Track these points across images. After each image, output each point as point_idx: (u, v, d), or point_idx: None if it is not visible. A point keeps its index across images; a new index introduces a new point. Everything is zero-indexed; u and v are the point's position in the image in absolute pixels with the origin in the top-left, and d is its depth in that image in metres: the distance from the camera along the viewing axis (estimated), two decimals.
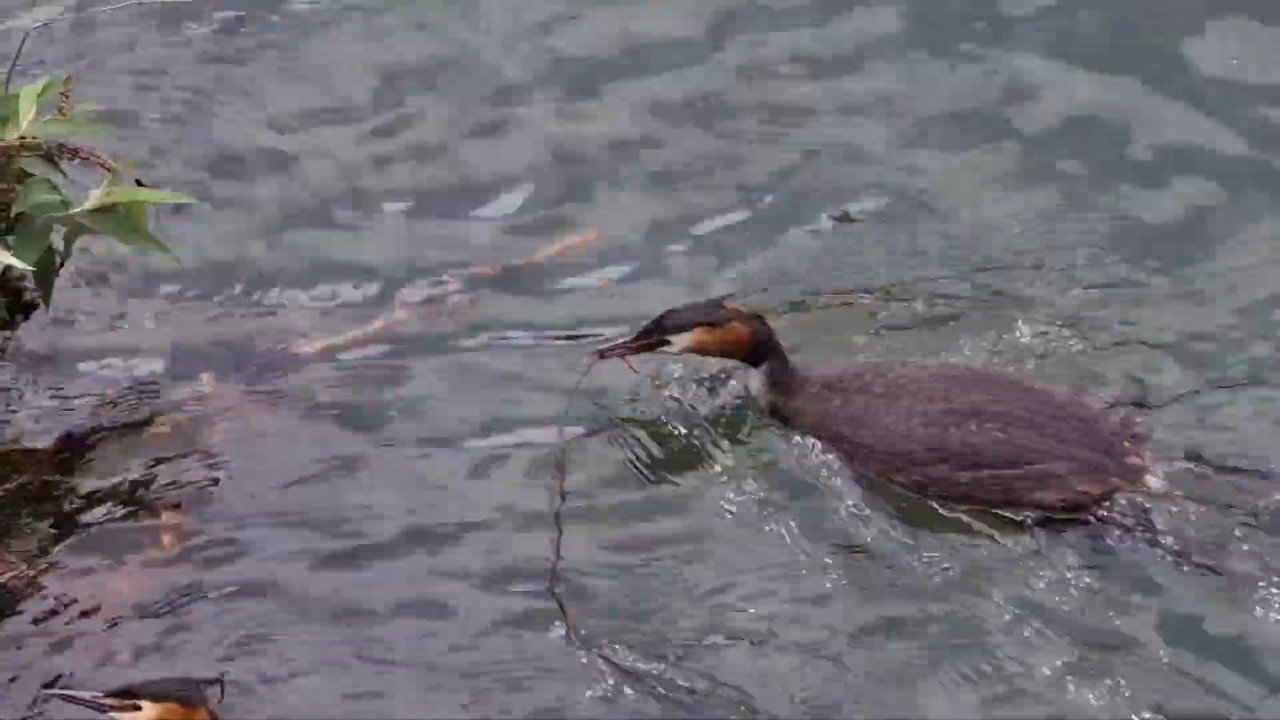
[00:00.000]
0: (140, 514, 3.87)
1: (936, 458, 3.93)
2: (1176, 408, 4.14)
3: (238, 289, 4.43)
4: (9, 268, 3.71)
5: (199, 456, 3.99)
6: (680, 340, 3.99)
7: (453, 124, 4.99)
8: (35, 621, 3.64)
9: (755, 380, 4.08)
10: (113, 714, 3.14)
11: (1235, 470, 3.95)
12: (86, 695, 3.23)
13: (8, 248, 3.53)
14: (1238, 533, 3.83)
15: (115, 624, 3.65)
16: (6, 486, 3.85)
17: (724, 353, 4.07)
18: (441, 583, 3.79)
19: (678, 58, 5.14)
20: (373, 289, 4.49)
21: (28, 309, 4.17)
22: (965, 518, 3.91)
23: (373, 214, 4.71)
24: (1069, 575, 3.79)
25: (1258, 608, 3.70)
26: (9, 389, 4.07)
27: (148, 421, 4.05)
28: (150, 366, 4.18)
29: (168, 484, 3.93)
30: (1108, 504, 3.87)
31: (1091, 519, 3.89)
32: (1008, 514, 3.90)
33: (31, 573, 3.69)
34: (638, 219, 4.70)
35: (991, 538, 3.87)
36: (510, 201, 4.77)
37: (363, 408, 4.17)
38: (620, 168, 4.86)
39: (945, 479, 3.93)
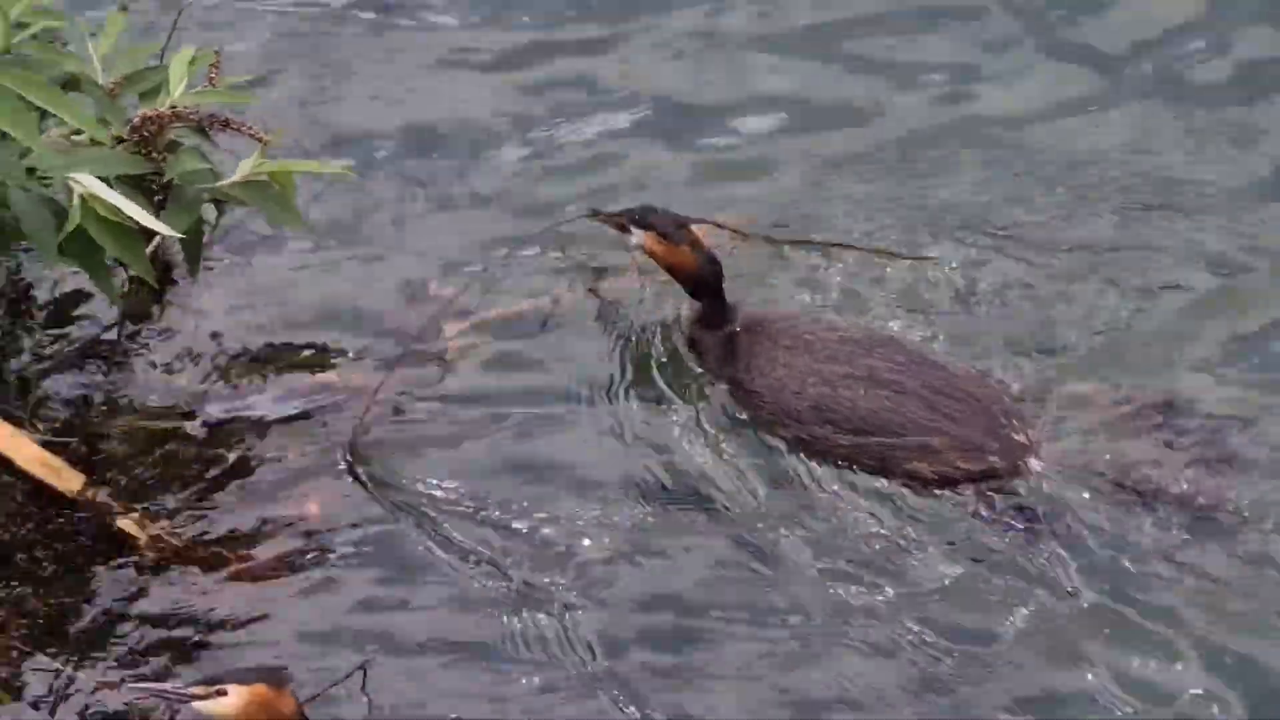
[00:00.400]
0: (286, 483, 3.89)
1: (821, 418, 3.96)
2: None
3: (385, 260, 4.45)
4: (160, 237, 3.75)
5: (342, 428, 4.00)
6: (637, 236, 4.05)
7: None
8: (176, 585, 3.68)
9: (686, 311, 4.14)
10: (198, 704, 3.13)
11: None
12: (170, 688, 3.22)
13: (159, 217, 3.49)
14: (1120, 519, 3.82)
15: (260, 593, 3.68)
16: (156, 453, 3.89)
17: (669, 270, 4.10)
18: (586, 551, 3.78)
19: None
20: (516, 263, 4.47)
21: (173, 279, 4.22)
22: (842, 485, 3.92)
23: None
24: (938, 549, 3.80)
25: (1136, 592, 3.69)
26: (158, 357, 4.11)
27: (292, 393, 4.07)
28: (296, 336, 4.20)
29: (313, 453, 3.95)
30: (987, 483, 3.88)
31: (969, 496, 3.89)
32: (884, 482, 3.92)
33: (177, 542, 3.72)
34: None
35: (863, 505, 3.90)
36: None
37: (511, 378, 4.16)
38: None
39: (826, 439, 3.96)
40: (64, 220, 3.44)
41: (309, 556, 3.75)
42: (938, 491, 3.89)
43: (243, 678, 3.13)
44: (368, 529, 3.82)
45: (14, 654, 3.50)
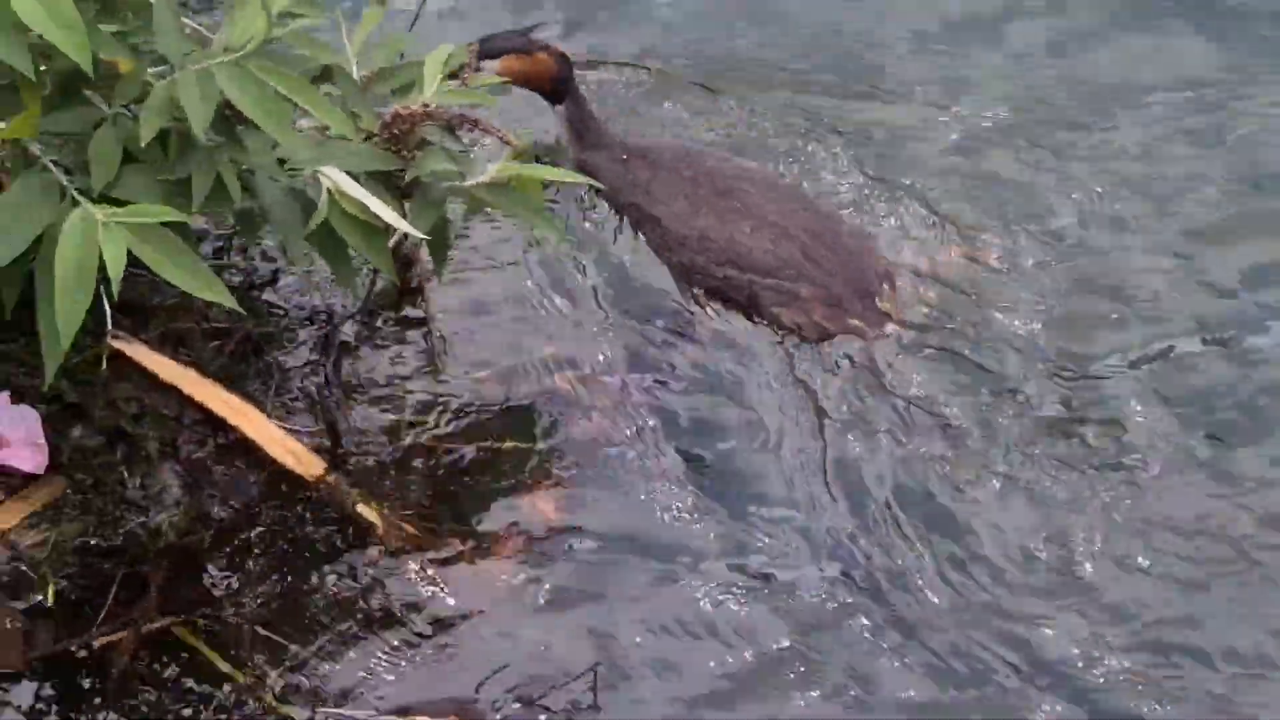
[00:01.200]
0: (521, 480, 3.93)
1: (704, 247, 4.20)
2: None
3: (630, 274, 4.48)
4: (405, 236, 3.79)
5: (577, 430, 4.05)
6: (491, 65, 4.24)
7: None
8: (408, 575, 3.73)
9: (559, 123, 4.45)
10: None
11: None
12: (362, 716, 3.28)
13: (404, 215, 3.53)
14: (964, 398, 4.05)
15: (489, 588, 3.72)
16: (394, 445, 3.96)
17: (529, 82, 4.35)
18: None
19: None
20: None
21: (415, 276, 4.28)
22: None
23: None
24: (796, 395, 4.07)
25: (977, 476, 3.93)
26: (397, 351, 4.18)
27: (529, 394, 4.13)
28: (536, 339, 4.27)
29: (548, 453, 4.00)
30: (841, 340, 4.10)
31: (822, 350, 4.11)
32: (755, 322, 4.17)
33: (413, 532, 3.77)
34: None
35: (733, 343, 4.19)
36: None
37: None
38: None
39: (704, 269, 4.20)
40: (311, 212, 3.50)
41: (541, 554, 3.78)
42: (793, 339, 4.14)
43: (440, 708, 3.17)
44: (602, 530, 3.85)
45: (248, 635, 3.57)
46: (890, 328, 4.11)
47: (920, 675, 3.57)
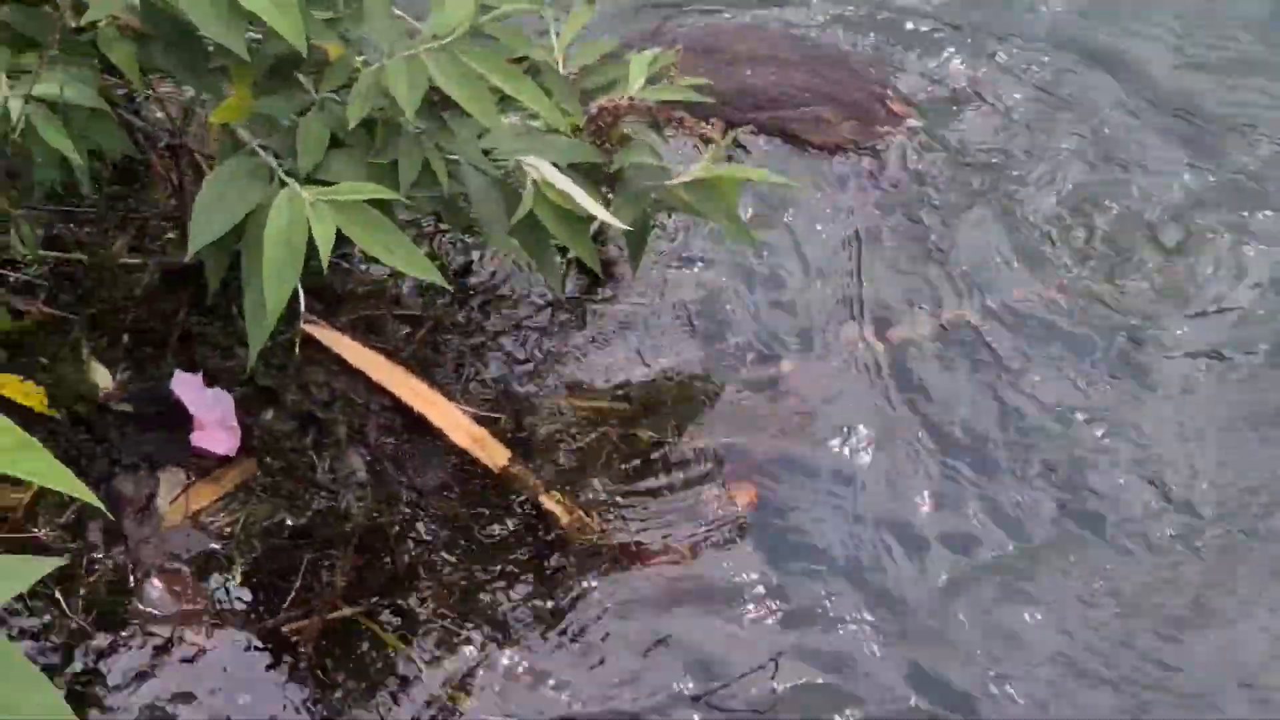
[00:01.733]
0: (714, 474, 3.92)
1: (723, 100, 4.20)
2: None
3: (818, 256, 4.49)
4: (602, 228, 3.79)
5: (778, 424, 4.03)
6: None
7: None
8: (591, 572, 3.73)
9: None
10: None
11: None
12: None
13: (607, 208, 3.54)
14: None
15: (676, 585, 3.71)
16: (583, 437, 3.94)
17: None
18: None
19: None
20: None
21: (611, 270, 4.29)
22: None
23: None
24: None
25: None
26: (590, 343, 4.18)
27: (727, 388, 4.11)
28: (734, 336, 4.24)
29: (746, 446, 3.98)
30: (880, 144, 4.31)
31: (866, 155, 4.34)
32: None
33: (599, 526, 3.76)
34: None
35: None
36: None
37: (981, 396, 4.15)
38: None
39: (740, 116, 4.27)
40: (513, 202, 3.52)
41: (730, 550, 3.77)
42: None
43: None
44: (793, 526, 3.83)
45: (430, 624, 3.58)
46: (910, 120, 4.37)
47: None
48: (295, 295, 3.26)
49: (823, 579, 3.73)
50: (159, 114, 3.94)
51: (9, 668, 1.75)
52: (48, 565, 2.04)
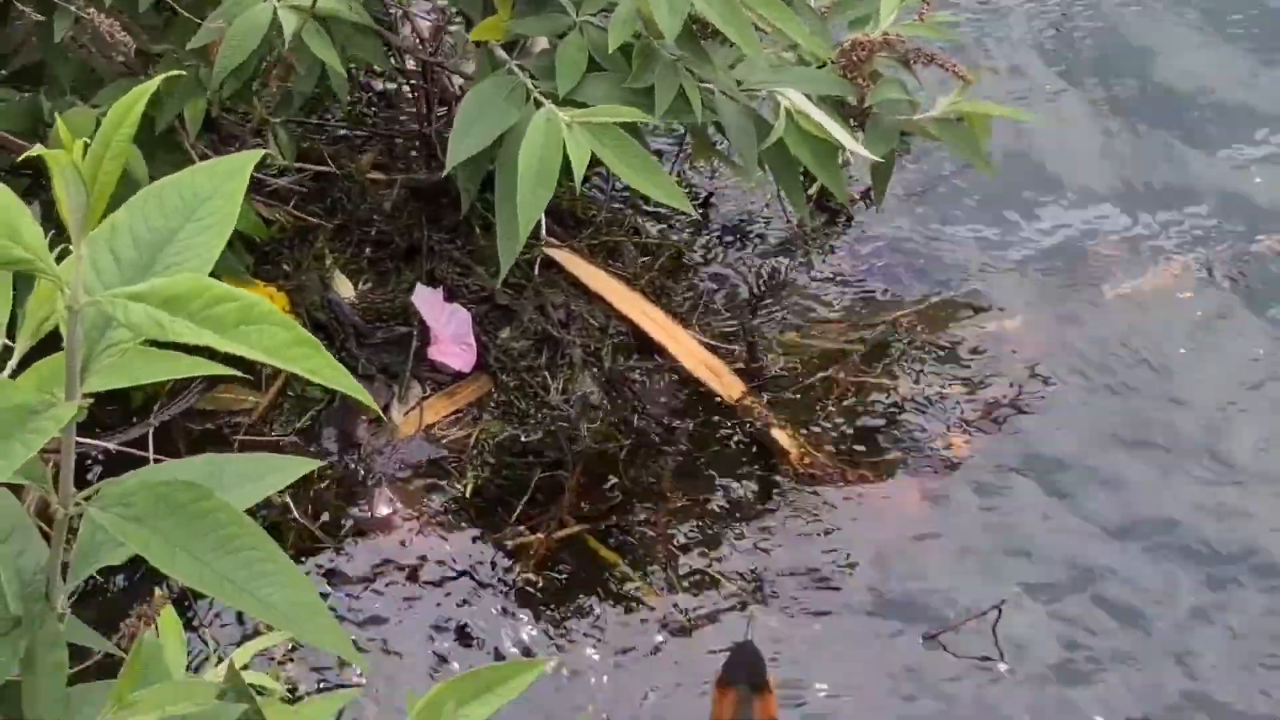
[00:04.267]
0: (934, 417, 3.90)
1: None
2: None
3: (1054, 207, 4.41)
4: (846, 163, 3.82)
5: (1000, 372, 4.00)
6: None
7: None
8: (813, 504, 3.73)
9: None
10: None
11: None
12: None
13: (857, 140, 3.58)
14: None
15: (893, 522, 3.71)
16: (815, 372, 3.95)
17: None
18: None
19: None
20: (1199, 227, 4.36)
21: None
22: None
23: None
24: None
25: None
26: (829, 277, 4.19)
27: (951, 331, 4.08)
28: (967, 278, 4.21)
29: (964, 392, 3.95)
30: None
31: None
32: None
33: (826, 460, 3.76)
34: None
35: None
36: None
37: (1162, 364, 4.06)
38: None
39: None
40: (765, 132, 3.55)
41: (951, 492, 3.75)
42: None
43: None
44: (1015, 468, 3.81)
45: (657, 549, 3.61)
46: None
47: None
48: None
49: (1037, 516, 3.72)
50: (409, 33, 3.99)
51: (271, 564, 1.79)
52: (306, 465, 2.10)
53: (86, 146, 1.63)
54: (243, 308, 1.61)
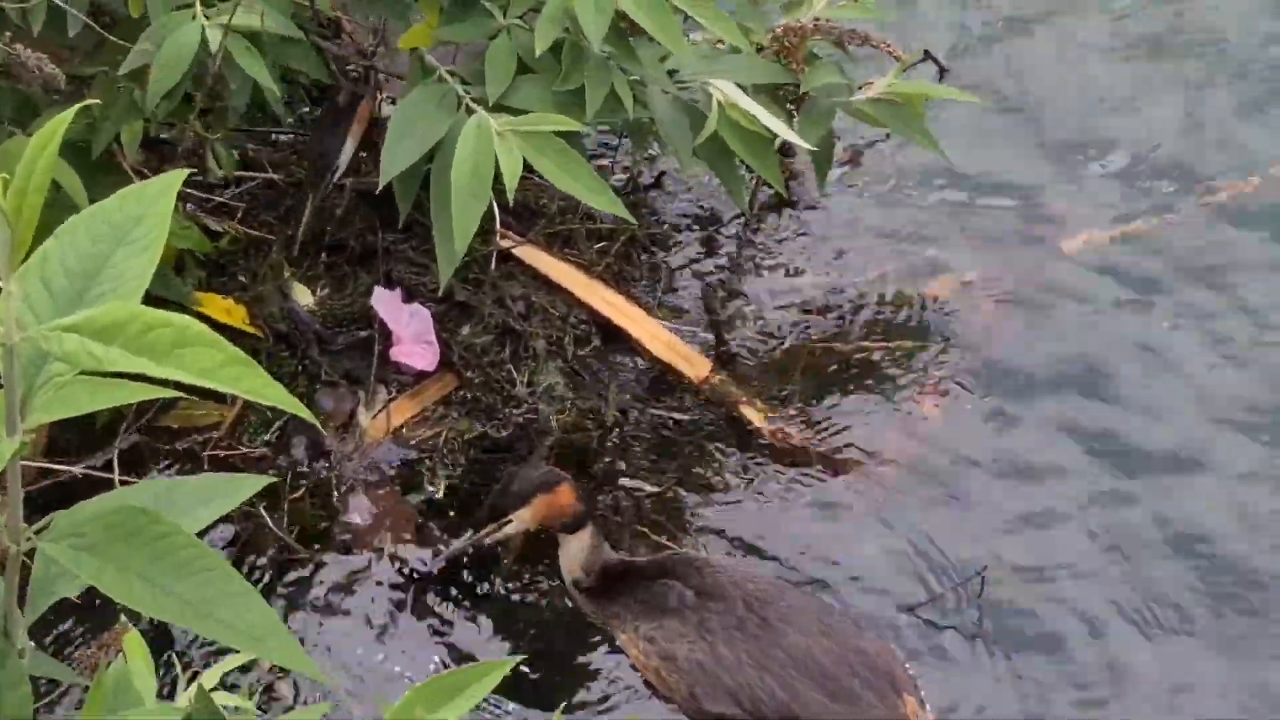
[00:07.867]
0: (908, 385, 3.92)
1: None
2: None
3: (996, 172, 4.42)
4: (786, 149, 3.80)
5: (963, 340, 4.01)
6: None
7: None
8: (788, 478, 3.75)
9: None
10: None
11: None
12: None
13: (792, 128, 3.56)
14: None
15: (870, 497, 3.72)
16: (780, 350, 3.98)
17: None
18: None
19: None
20: (1151, 180, 4.37)
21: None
22: None
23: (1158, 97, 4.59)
24: None
25: None
26: (779, 261, 4.19)
27: (909, 303, 4.09)
28: (921, 250, 4.23)
29: (932, 361, 3.97)
30: None
31: None
32: None
33: (796, 436, 3.78)
34: None
35: None
36: None
37: (1122, 310, 4.08)
38: None
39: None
40: (699, 124, 3.53)
41: (921, 458, 3.77)
42: None
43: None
44: (982, 435, 3.83)
45: (632, 533, 3.63)
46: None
47: None
48: (490, 212, 3.30)
49: (1011, 482, 3.74)
50: (347, 40, 3.99)
51: (226, 585, 1.80)
52: (256, 483, 2.10)
53: (7, 183, 1.64)
54: (176, 332, 1.61)
